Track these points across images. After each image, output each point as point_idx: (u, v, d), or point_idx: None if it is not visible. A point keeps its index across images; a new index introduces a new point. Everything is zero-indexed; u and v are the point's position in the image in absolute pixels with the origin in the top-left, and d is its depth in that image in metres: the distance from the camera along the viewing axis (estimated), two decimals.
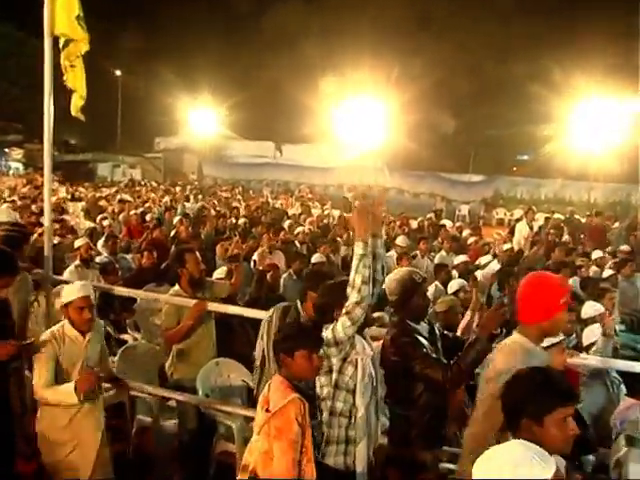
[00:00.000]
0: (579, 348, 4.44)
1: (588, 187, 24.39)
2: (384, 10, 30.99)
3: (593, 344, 4.38)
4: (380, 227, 3.11)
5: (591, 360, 3.93)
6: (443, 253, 9.11)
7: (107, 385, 4.08)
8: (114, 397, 4.21)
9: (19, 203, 12.41)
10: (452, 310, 5.03)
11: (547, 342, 3.41)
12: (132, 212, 11.55)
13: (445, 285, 6.66)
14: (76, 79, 4.71)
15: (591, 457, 3.71)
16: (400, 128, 26.72)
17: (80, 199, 15.76)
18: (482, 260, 8.13)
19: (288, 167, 31.56)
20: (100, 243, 8.36)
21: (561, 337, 3.55)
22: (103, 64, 26.56)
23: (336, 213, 15.02)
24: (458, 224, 13.90)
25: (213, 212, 12.94)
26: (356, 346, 2.92)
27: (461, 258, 8.05)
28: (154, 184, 24.67)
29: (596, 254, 9.08)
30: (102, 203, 14.29)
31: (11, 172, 30.23)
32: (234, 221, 11.80)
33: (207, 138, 32.10)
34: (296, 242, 9.64)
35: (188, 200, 16.40)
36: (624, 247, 9.81)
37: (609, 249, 10.37)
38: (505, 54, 29.06)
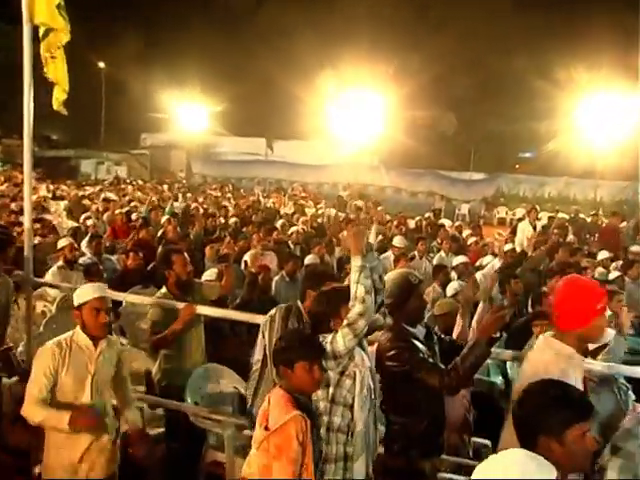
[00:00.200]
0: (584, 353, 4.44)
1: (594, 185, 24.52)
2: (381, 1, 31.06)
3: (599, 349, 4.38)
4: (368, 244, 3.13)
5: (597, 366, 3.93)
6: (442, 254, 9.12)
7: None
8: None
9: None
10: (451, 313, 5.02)
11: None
12: (117, 211, 11.51)
13: (444, 287, 6.67)
14: (57, 71, 4.67)
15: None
16: (397, 124, 26.78)
17: (62, 198, 15.68)
18: (484, 261, 8.13)
19: (280, 164, 31.58)
20: (83, 244, 8.32)
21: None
22: (86, 55, 26.46)
23: (331, 212, 15.03)
24: (458, 224, 13.91)
25: (202, 211, 12.93)
26: (354, 358, 2.89)
27: (461, 259, 8.04)
28: (140, 182, 24.56)
29: (602, 255, 9.10)
30: (85, 202, 14.24)
31: None
32: (224, 221, 11.78)
33: (196, 134, 32.05)
34: (289, 243, 9.63)
35: (177, 199, 16.36)
36: (635, 248, 9.82)
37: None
38: (507, 48, 29.16)
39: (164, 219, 10.38)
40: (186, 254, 4.70)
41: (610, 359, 4.06)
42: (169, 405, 4.19)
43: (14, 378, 4.42)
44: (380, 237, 10.22)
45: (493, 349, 4.06)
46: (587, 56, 23.51)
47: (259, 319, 4.50)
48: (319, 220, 13.05)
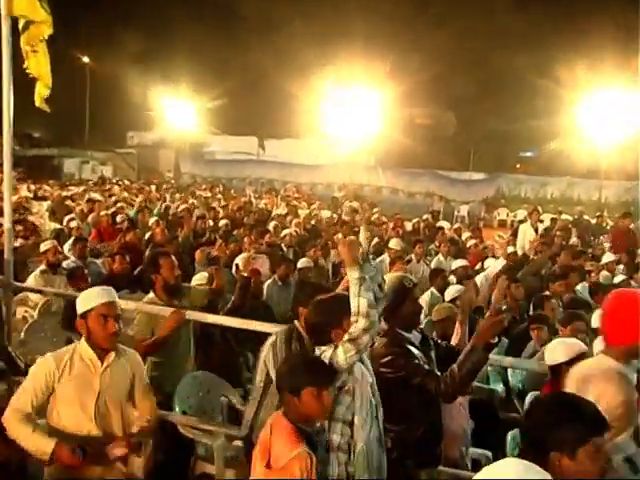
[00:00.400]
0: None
1: (598, 185, 24.61)
2: None
3: None
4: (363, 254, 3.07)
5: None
6: (440, 257, 9.15)
7: None
8: None
9: None
10: (450, 319, 5.04)
11: (569, 355, 3.45)
12: (102, 213, 11.46)
13: (442, 292, 6.68)
14: (39, 66, 4.66)
15: None
16: (395, 122, 26.85)
17: (45, 198, 15.63)
18: (486, 264, 8.15)
19: (273, 164, 31.57)
20: (67, 246, 8.29)
21: (585, 348, 3.58)
22: (69, 49, 26.41)
23: (325, 214, 15.03)
24: (457, 226, 13.92)
25: (191, 213, 12.91)
26: (353, 372, 2.82)
27: (460, 263, 8.06)
28: (127, 182, 24.48)
29: (607, 258, 9.14)
30: (69, 203, 14.18)
31: None
32: (213, 223, 11.77)
33: (185, 132, 32.03)
34: (282, 245, 9.64)
35: (165, 200, 16.32)
36: None
37: None
38: (507, 45, 29.29)
39: (152, 221, 10.36)
40: (174, 257, 4.70)
41: None
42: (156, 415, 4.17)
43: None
44: (376, 240, 10.23)
45: (493, 355, 4.09)
46: (589, 53, 23.63)
47: (251, 325, 4.52)
48: (313, 222, 13.05)
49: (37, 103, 4.76)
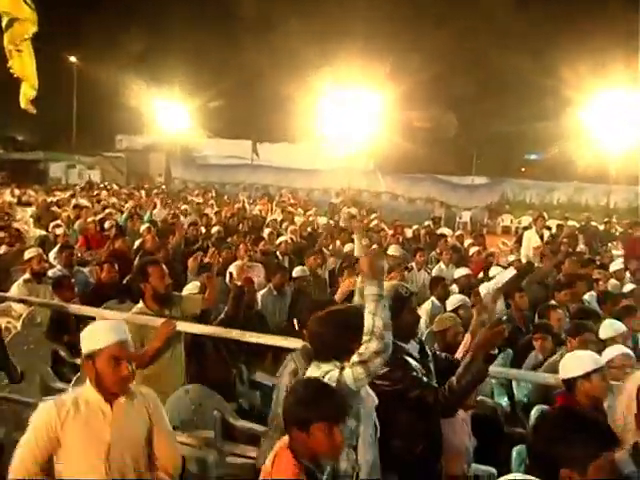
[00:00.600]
0: None
1: (607, 190, 24.67)
2: None
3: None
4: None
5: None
6: (442, 265, 9.16)
7: None
8: None
9: None
10: (452, 329, 5.04)
11: (586, 368, 3.45)
12: (90, 219, 11.44)
13: (443, 301, 6.68)
14: (24, 66, 4.66)
15: None
16: (394, 125, 26.88)
17: (29, 204, 15.65)
18: (491, 272, 8.15)
19: (268, 169, 31.59)
20: (52, 254, 8.28)
21: (602, 362, 3.58)
22: (55, 48, 26.35)
23: (322, 220, 15.04)
24: (459, 233, 13.94)
25: (183, 219, 12.92)
26: (359, 393, 2.75)
27: (462, 271, 8.06)
28: (115, 187, 24.51)
29: (615, 266, 9.16)
30: (55, 209, 14.17)
31: None
32: (205, 230, 11.77)
33: (176, 136, 32.06)
34: (277, 253, 9.64)
35: (155, 206, 16.32)
36: None
37: None
38: (510, 44, 29.44)
39: (143, 228, 10.35)
40: (164, 266, 4.69)
41: None
42: None
43: None
44: (375, 247, 10.22)
45: (497, 367, 4.08)
46: (594, 52, 23.68)
47: (246, 336, 4.51)
48: (309, 229, 13.05)
49: (23, 105, 4.76)
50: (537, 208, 22.29)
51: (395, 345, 3.16)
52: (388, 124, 26.23)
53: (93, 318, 5.85)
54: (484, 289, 5.48)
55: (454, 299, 6.30)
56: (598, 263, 9.87)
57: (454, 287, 7.70)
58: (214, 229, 11.50)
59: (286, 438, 2.50)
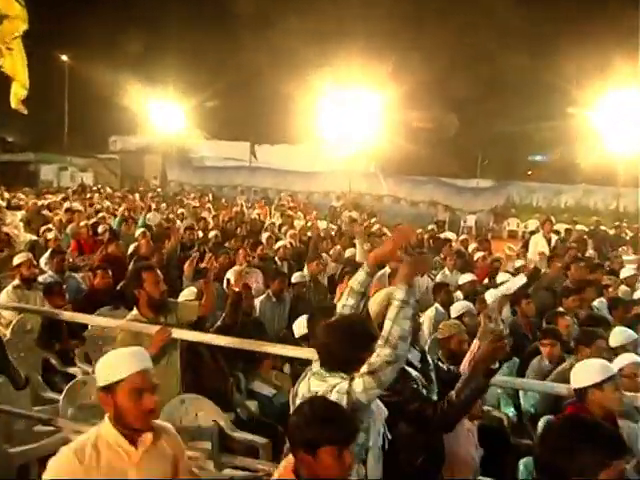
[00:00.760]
0: None
1: (616, 193, 24.61)
2: None
3: None
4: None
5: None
6: (446, 271, 9.16)
7: (47, 428, 3.91)
8: (57, 443, 4.13)
9: None
10: (456, 337, 5.04)
11: (598, 377, 3.45)
12: (82, 223, 11.46)
13: (446, 307, 6.68)
14: (15, 64, 4.67)
15: None
16: (396, 126, 26.88)
17: (19, 207, 15.61)
18: (499, 278, 8.15)
19: (266, 171, 31.61)
20: (43, 259, 8.29)
21: (615, 371, 3.58)
22: (46, 46, 26.32)
23: (322, 224, 15.06)
24: (463, 237, 13.96)
25: (179, 223, 12.93)
26: (369, 407, 2.71)
27: (467, 277, 8.07)
28: (109, 190, 24.51)
29: (626, 272, 9.15)
30: (46, 212, 14.17)
31: None
32: (202, 234, 11.78)
33: (172, 137, 32.07)
34: (276, 258, 9.65)
35: (150, 209, 16.34)
36: None
37: None
38: (516, 41, 29.44)
39: (138, 232, 10.36)
40: (159, 271, 4.69)
41: None
42: None
43: None
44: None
45: (503, 377, 4.09)
46: (604, 48, 23.61)
47: (244, 344, 4.51)
48: (309, 233, 13.06)
49: (13, 104, 4.77)
50: (544, 212, 22.26)
51: None
52: (390, 125, 26.24)
53: (85, 325, 5.89)
54: (490, 296, 5.46)
55: (459, 306, 6.31)
56: (608, 269, 9.88)
57: (458, 293, 7.70)
58: (211, 233, 11.52)
59: (291, 458, 2.43)
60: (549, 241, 11.40)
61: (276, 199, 24.66)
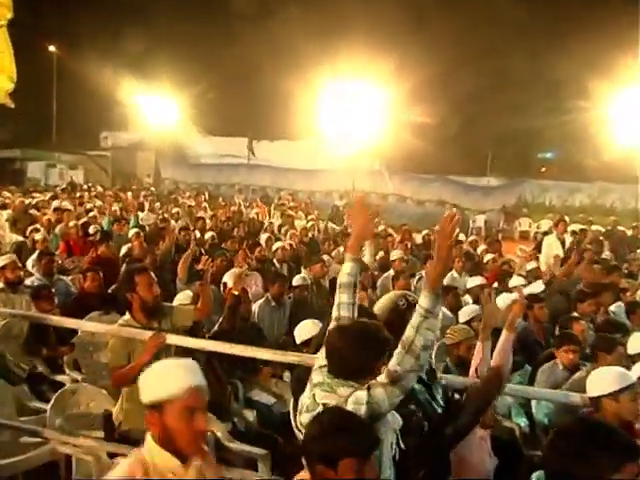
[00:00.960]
0: None
1: (634, 191, 24.53)
2: None
3: None
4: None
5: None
6: (454, 274, 9.15)
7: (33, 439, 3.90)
8: (44, 455, 4.13)
9: None
10: (465, 343, 5.04)
11: (614, 386, 3.44)
12: (72, 223, 11.47)
13: (454, 312, 6.68)
14: (1, 56, 4.66)
15: None
16: (402, 122, 26.88)
17: (5, 206, 15.60)
18: (511, 282, 8.13)
19: (265, 169, 31.66)
20: (31, 261, 8.29)
21: (633, 380, 3.56)
22: (33, 36, 26.23)
23: (326, 224, 15.09)
24: (472, 238, 13.99)
25: (173, 223, 12.94)
26: (386, 417, 2.70)
27: (476, 280, 8.09)
28: (100, 189, 24.57)
29: None
30: (33, 211, 14.19)
31: None
32: (199, 235, 11.79)
33: (166, 133, 32.05)
34: (274, 260, 9.65)
35: (143, 209, 16.36)
36: None
37: None
38: (528, 31, 29.40)
39: (131, 233, 10.37)
40: (153, 274, 4.69)
41: None
42: None
43: None
44: (381, 254, 10.25)
45: (515, 385, 4.09)
46: (619, 39, 23.50)
47: (242, 351, 4.51)
48: (310, 234, 13.07)
49: (0, 99, 4.76)
50: (558, 211, 22.24)
51: None
52: (395, 120, 26.24)
53: (74, 331, 5.88)
54: (502, 301, 5.46)
55: (468, 310, 6.30)
56: (626, 271, 9.86)
57: (467, 297, 7.70)
58: (207, 234, 11.54)
59: (304, 474, 2.40)
60: (563, 242, 11.38)
61: (276, 198, 24.70)
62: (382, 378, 2.61)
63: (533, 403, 5.12)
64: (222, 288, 7.15)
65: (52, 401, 4.61)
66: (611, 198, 25.81)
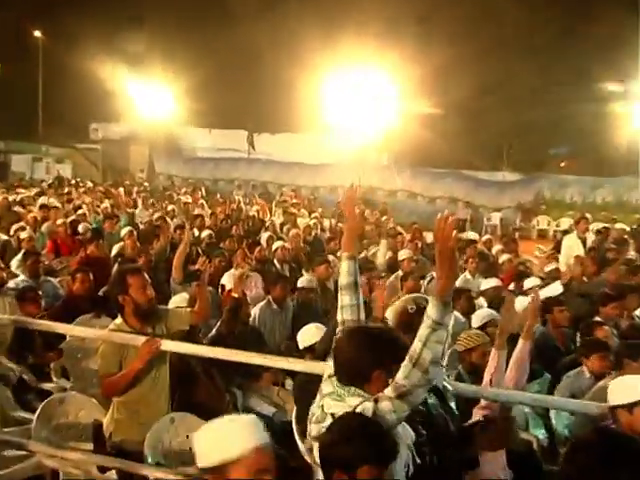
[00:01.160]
0: None
1: None
2: None
3: None
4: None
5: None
6: (467, 275, 9.13)
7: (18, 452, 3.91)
8: (29, 469, 4.13)
9: None
10: (479, 349, 5.02)
11: (630, 398, 3.44)
12: (59, 221, 11.49)
13: (467, 316, 6.66)
14: None
15: None
16: (411, 113, 26.86)
17: None
18: (526, 284, 8.12)
19: (266, 163, 31.67)
20: (15, 262, 8.29)
21: None
22: (17, 22, 26.21)
23: (328, 223, 15.07)
24: (487, 237, 13.96)
25: (169, 221, 12.95)
26: (397, 430, 2.70)
27: (491, 282, 8.07)
28: (89, 184, 24.61)
29: None
30: (18, 209, 14.21)
31: None
32: (197, 233, 11.80)
33: (160, 125, 32.09)
34: (274, 261, 9.65)
35: (136, 206, 16.37)
36: None
37: None
38: (549, 12, 29.29)
39: (124, 232, 10.36)
40: (146, 275, 4.69)
41: None
42: (124, 466, 4.12)
43: None
44: (390, 254, 10.24)
45: (534, 394, 4.07)
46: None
47: (241, 357, 4.50)
48: (313, 233, 13.06)
49: None
50: (579, 208, 22.19)
51: None
52: (404, 112, 26.23)
53: (63, 336, 5.88)
54: (520, 304, 5.43)
55: (481, 314, 6.28)
56: None
57: (481, 300, 7.67)
58: (204, 233, 11.54)
59: None
60: (584, 242, 11.34)
61: (277, 194, 24.71)
62: (389, 391, 2.61)
63: (552, 413, 5.10)
64: (220, 290, 7.16)
65: (38, 411, 4.60)
66: (636, 195, 25.68)
